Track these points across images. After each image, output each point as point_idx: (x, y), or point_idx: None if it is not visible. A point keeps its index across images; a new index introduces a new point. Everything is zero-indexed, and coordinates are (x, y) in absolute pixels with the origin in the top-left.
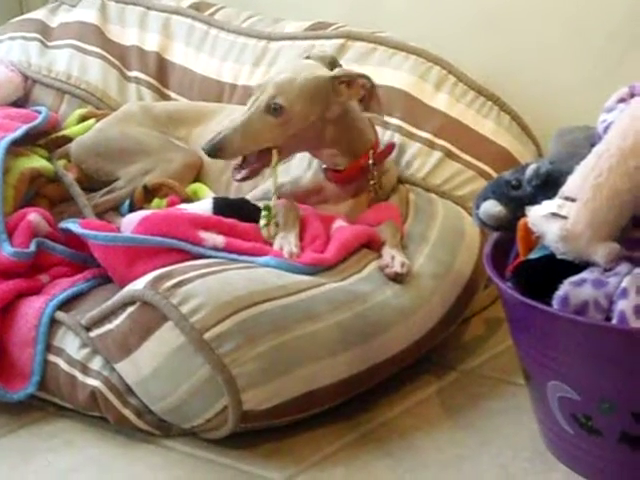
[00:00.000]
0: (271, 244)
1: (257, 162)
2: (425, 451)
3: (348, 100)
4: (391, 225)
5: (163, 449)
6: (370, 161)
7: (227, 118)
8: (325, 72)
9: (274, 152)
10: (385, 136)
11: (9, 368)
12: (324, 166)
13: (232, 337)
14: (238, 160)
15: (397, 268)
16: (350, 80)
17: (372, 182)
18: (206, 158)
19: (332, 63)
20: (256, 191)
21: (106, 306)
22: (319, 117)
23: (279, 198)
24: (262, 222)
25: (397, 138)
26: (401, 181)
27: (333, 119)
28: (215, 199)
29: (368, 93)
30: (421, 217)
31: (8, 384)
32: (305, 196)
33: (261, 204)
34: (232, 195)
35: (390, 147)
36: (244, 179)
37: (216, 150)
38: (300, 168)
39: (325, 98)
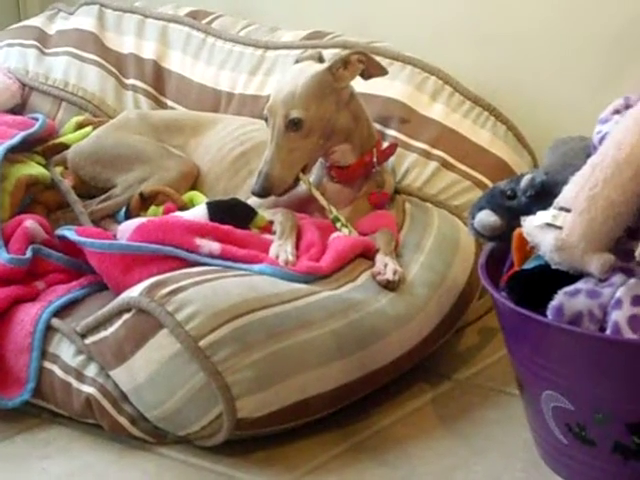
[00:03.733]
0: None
1: None
2: (419, 460)
3: (352, 79)
4: (386, 233)
5: (157, 456)
6: (374, 159)
7: (225, 129)
8: (319, 66)
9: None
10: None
11: (4, 375)
12: (328, 164)
13: (227, 345)
14: None
15: (389, 275)
16: (346, 61)
17: (375, 170)
18: (202, 166)
19: (320, 58)
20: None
21: (101, 313)
22: (335, 109)
23: (276, 207)
24: (338, 225)
25: None
26: (397, 191)
27: (345, 105)
28: (209, 203)
29: (366, 64)
30: (416, 226)
31: (3, 391)
32: (305, 203)
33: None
34: None
35: (393, 147)
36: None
37: (265, 189)
38: None
39: (331, 89)
